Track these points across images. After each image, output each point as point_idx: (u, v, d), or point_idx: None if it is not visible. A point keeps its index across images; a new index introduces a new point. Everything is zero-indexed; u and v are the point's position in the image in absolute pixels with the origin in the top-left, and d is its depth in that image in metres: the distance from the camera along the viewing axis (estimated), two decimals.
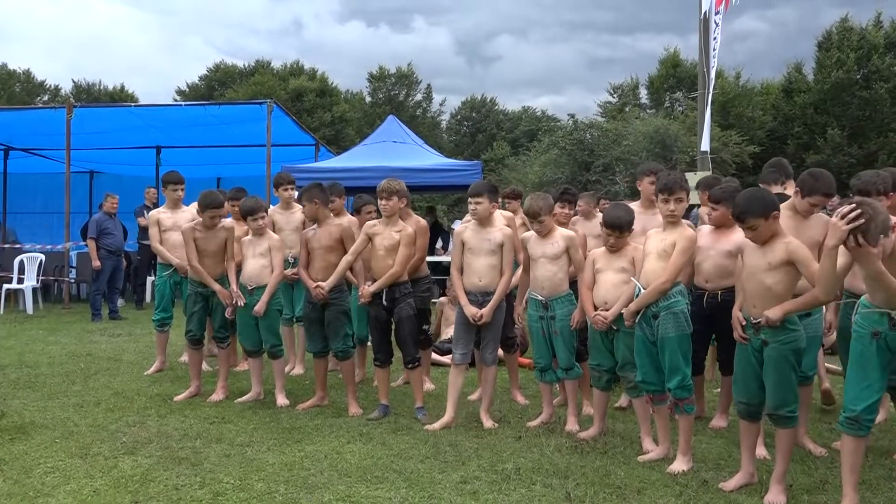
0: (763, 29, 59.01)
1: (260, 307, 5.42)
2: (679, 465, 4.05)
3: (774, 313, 3.57)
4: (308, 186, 5.42)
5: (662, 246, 4.17)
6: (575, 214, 5.74)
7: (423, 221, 5.65)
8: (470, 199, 4.96)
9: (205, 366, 6.17)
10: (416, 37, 73.08)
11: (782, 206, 4.39)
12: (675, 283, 4.13)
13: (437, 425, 4.81)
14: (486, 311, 4.85)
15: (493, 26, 78.59)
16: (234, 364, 6.81)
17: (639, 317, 4.20)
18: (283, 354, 5.79)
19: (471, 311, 4.87)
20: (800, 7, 59.43)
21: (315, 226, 5.42)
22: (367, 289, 5.09)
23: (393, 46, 70.38)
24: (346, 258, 5.20)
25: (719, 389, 5.16)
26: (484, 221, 4.96)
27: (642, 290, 4.19)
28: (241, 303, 5.46)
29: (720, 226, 4.62)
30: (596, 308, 4.51)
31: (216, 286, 5.64)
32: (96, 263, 10.14)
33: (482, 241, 4.93)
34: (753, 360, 3.73)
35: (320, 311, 5.28)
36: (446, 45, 74.21)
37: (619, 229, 4.47)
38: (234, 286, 5.55)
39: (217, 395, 5.62)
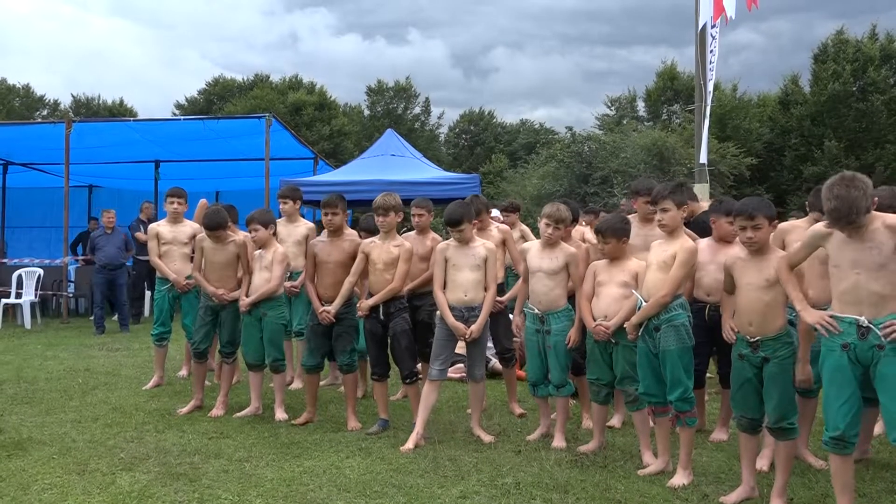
0: (758, 41, 59.45)
1: (244, 304, 5.45)
2: (679, 478, 4.04)
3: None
4: (332, 196, 5.39)
5: (663, 257, 4.15)
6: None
7: (439, 238, 5.65)
8: (451, 230, 4.94)
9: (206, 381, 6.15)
10: (412, 50, 73.51)
11: (800, 221, 4.43)
12: (677, 295, 4.12)
13: (409, 444, 4.70)
14: (475, 328, 4.83)
15: (488, 39, 79.08)
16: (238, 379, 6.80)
17: (641, 329, 4.19)
18: (285, 369, 5.77)
19: (460, 329, 4.84)
20: (793, 20, 59.93)
21: (324, 238, 5.41)
22: (365, 302, 5.09)
23: (389, 60, 70.82)
24: (349, 279, 5.18)
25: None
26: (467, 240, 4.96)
27: (644, 303, 4.17)
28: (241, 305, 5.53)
29: (720, 240, 4.63)
30: (595, 320, 4.50)
31: (210, 288, 5.67)
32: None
33: (466, 256, 4.91)
34: (751, 376, 3.74)
35: (328, 326, 5.26)
36: (442, 58, 74.60)
37: (600, 233, 4.48)
38: (242, 295, 5.58)
39: (217, 411, 5.60)
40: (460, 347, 5.14)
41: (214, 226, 5.65)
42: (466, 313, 4.88)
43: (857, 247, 3.25)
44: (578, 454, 4.54)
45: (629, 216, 5.49)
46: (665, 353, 4.08)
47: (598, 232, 4.54)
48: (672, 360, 4.07)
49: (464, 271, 4.90)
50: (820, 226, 3.48)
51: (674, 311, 4.09)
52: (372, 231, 5.72)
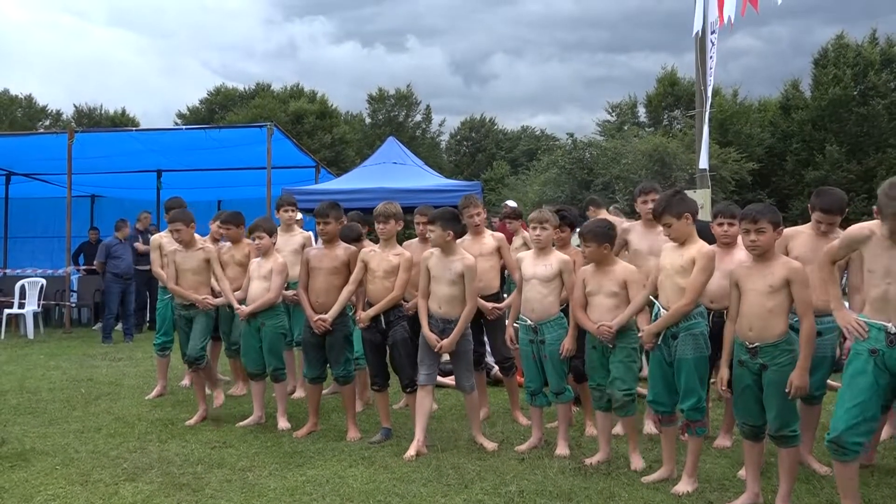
0: (757, 46, 59.53)
1: (242, 312, 5.46)
2: (684, 485, 4.01)
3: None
4: (324, 205, 5.38)
5: (680, 262, 4.05)
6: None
7: None
8: (428, 225, 4.95)
9: (207, 389, 6.14)
10: (411, 57, 73.64)
11: (803, 227, 4.43)
12: (696, 304, 4.05)
13: (411, 451, 4.69)
14: (446, 342, 4.80)
15: (487, 46, 79.29)
16: (240, 388, 6.80)
17: (659, 338, 4.12)
18: (286, 378, 5.77)
19: (431, 338, 4.83)
20: (792, 25, 60.05)
21: (319, 245, 5.41)
22: (365, 313, 5.08)
23: (389, 67, 70.96)
24: (348, 288, 5.17)
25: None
26: (446, 249, 4.90)
27: (662, 310, 4.09)
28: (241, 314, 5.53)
29: (726, 245, 4.63)
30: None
31: (193, 295, 5.67)
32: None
33: (443, 269, 4.88)
34: (752, 383, 3.71)
35: (321, 336, 5.25)
36: (442, 65, 74.74)
37: (582, 236, 4.47)
38: (234, 303, 5.58)
39: (197, 417, 5.64)
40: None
41: (173, 218, 5.73)
42: (442, 325, 4.87)
43: (892, 256, 3.23)
44: (583, 464, 4.47)
45: (634, 222, 5.50)
46: (681, 361, 4.02)
47: (580, 235, 4.53)
48: (688, 368, 4.01)
49: (441, 284, 4.88)
50: (859, 227, 3.44)
51: (693, 318, 4.02)
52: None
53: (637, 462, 4.38)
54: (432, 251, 5.02)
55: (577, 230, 5.13)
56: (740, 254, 4.53)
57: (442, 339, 4.82)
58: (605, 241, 4.42)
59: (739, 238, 4.47)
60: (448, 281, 4.85)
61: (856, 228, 3.46)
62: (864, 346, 3.29)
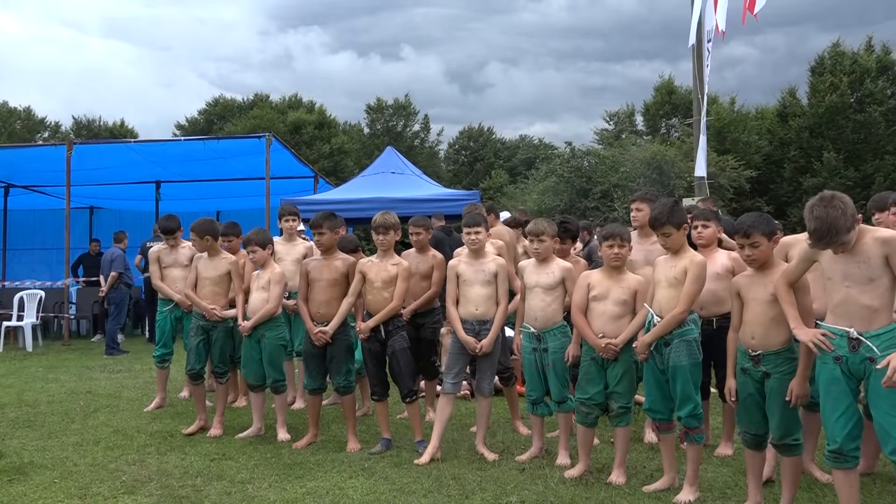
0: (753, 55, 59.76)
1: (244, 326, 5.44)
2: (686, 494, 4.00)
3: None
4: (318, 216, 5.39)
5: (673, 273, 4.09)
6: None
7: (440, 255, 5.64)
8: (468, 230, 4.97)
9: (207, 401, 6.13)
10: (407, 67, 73.69)
11: (803, 235, 4.41)
12: (690, 311, 4.07)
13: (425, 458, 4.73)
14: (486, 342, 4.83)
15: (482, 56, 79.50)
16: (235, 399, 6.77)
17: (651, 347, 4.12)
18: (286, 389, 5.75)
19: (471, 343, 4.84)
20: (787, 33, 60.34)
21: (318, 257, 5.41)
22: (365, 324, 5.08)
23: (385, 77, 70.92)
24: (348, 300, 5.17)
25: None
26: (478, 252, 4.97)
27: (656, 320, 4.09)
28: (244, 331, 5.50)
29: (706, 246, 4.63)
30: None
31: (203, 304, 5.66)
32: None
33: (476, 271, 4.92)
34: (754, 391, 3.71)
35: (322, 348, 5.24)
36: (438, 74, 74.78)
37: (618, 237, 4.43)
38: (240, 318, 5.56)
39: (215, 430, 5.58)
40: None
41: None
42: (478, 327, 4.89)
43: (847, 260, 3.25)
44: (566, 477, 4.41)
45: (629, 230, 5.51)
46: (676, 368, 4.02)
47: (609, 237, 4.47)
48: (683, 375, 4.01)
49: (475, 286, 4.92)
50: None
51: (686, 325, 4.04)
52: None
53: (618, 476, 4.32)
54: (459, 258, 5.07)
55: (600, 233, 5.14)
56: (722, 257, 4.57)
57: (479, 341, 4.84)
58: (629, 243, 4.47)
59: (728, 241, 4.50)
60: (483, 282, 4.91)
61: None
62: (828, 354, 3.29)
